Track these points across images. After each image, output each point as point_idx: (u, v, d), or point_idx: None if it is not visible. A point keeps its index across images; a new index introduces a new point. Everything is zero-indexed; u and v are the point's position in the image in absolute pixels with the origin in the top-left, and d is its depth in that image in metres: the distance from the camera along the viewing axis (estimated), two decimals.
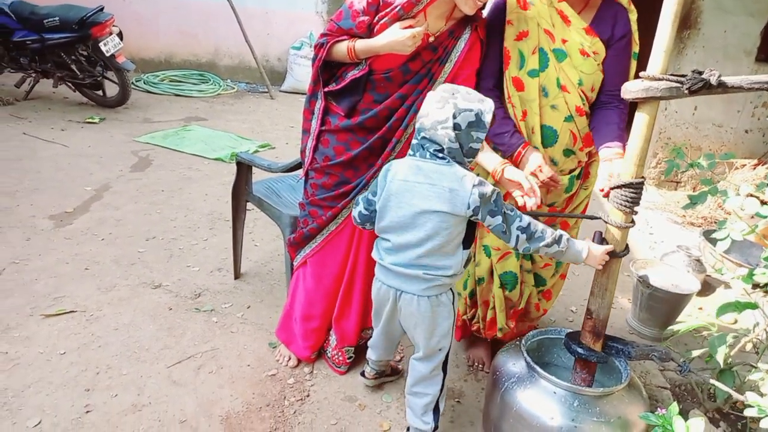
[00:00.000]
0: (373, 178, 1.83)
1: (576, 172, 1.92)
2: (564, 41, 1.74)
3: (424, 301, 1.58)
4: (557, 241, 1.49)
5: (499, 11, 1.79)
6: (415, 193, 1.50)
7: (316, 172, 1.95)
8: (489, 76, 1.85)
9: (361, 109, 1.84)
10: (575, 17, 1.74)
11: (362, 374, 2.07)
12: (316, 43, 1.82)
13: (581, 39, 1.73)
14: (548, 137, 1.83)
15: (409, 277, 1.57)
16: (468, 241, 1.57)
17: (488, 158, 1.74)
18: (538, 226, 1.50)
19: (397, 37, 1.66)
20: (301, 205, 2.07)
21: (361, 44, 1.74)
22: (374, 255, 1.68)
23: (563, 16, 1.74)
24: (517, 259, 1.99)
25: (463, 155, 1.49)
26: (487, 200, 1.46)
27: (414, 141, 1.54)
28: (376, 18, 1.73)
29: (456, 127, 1.43)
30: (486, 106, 1.47)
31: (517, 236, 1.48)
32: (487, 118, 1.46)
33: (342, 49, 1.77)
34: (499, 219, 1.47)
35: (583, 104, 1.79)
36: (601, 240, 1.55)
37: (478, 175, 1.53)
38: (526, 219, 1.49)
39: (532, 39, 1.75)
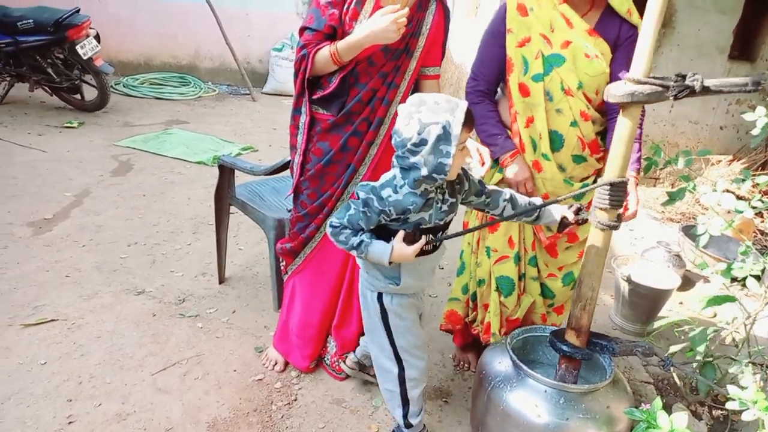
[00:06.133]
0: (365, 157, 1.86)
1: (590, 180, 1.91)
2: (568, 43, 1.73)
3: (359, 284, 1.69)
4: (356, 247, 1.49)
5: (500, 20, 1.80)
6: None
7: (310, 180, 1.89)
8: (484, 80, 1.89)
9: (347, 104, 1.80)
10: (576, 18, 1.74)
11: (344, 361, 2.09)
12: (297, 57, 1.75)
13: (584, 41, 1.73)
14: (555, 142, 1.83)
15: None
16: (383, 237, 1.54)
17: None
18: (345, 233, 1.49)
19: (380, 26, 1.57)
20: (298, 218, 1.97)
21: (344, 44, 1.66)
22: None
23: (565, 19, 1.74)
24: (515, 265, 1.96)
25: (432, 172, 1.37)
26: (359, 194, 1.48)
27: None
28: (345, 7, 1.70)
29: (422, 142, 1.35)
30: (455, 117, 1.35)
31: (327, 225, 1.54)
32: (455, 130, 1.35)
33: (325, 56, 1.70)
34: (347, 206, 1.51)
35: (588, 109, 1.79)
36: (414, 236, 1.48)
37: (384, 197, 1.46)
38: (341, 223, 1.49)
39: (534, 44, 1.76)
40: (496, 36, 1.82)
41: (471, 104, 1.80)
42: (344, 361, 2.08)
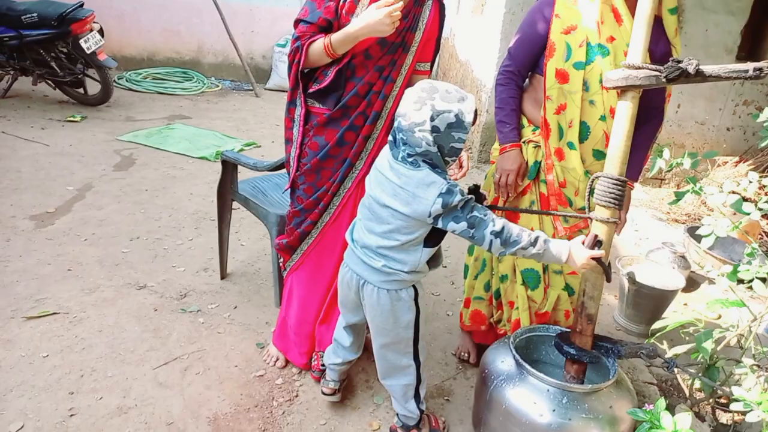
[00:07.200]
0: (361, 152, 1.84)
1: None
2: (612, 39, 1.73)
3: (383, 293, 1.60)
4: (533, 243, 1.44)
5: (547, 4, 1.79)
6: (384, 187, 1.51)
7: (306, 175, 1.88)
8: (517, 62, 1.88)
9: (343, 98, 1.79)
10: (628, 17, 1.72)
11: (322, 392, 1.94)
12: (291, 49, 1.75)
13: (627, 40, 1.70)
14: (582, 133, 1.82)
15: (371, 268, 1.59)
16: (433, 240, 1.56)
17: None
18: (513, 229, 1.44)
19: (375, 18, 1.56)
20: (294, 214, 1.96)
21: (337, 36, 1.65)
22: (347, 236, 1.69)
23: (616, 14, 1.73)
24: None
25: (445, 155, 1.44)
26: (452, 209, 1.43)
27: (390, 137, 1.52)
28: (341, 0, 1.69)
29: (434, 129, 1.39)
30: (466, 106, 1.40)
31: (491, 241, 1.43)
32: (468, 118, 1.39)
33: (318, 48, 1.69)
34: (463, 225, 1.43)
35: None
36: (595, 243, 1.49)
37: (447, 180, 1.47)
38: (500, 223, 1.44)
39: (580, 32, 1.75)
40: (541, 19, 1.80)
41: (497, 84, 1.90)
42: (324, 393, 1.94)
